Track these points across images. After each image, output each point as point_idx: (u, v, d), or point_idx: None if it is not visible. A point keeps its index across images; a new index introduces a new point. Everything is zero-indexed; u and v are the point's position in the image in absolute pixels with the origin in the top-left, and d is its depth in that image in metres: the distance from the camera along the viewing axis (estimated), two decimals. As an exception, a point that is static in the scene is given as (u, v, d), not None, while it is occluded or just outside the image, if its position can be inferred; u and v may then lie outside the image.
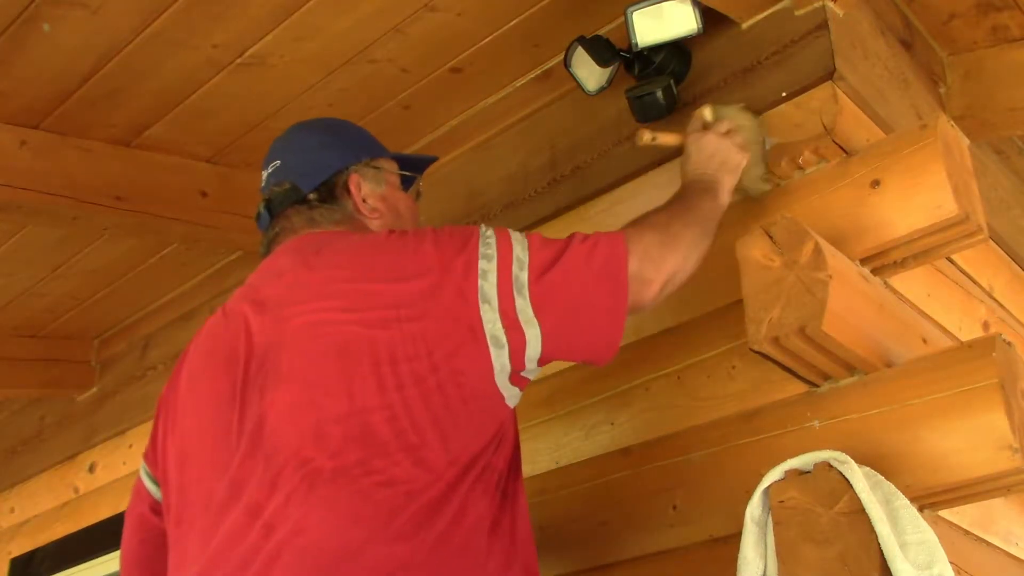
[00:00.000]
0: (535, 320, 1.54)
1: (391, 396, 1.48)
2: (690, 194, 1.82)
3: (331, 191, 1.82)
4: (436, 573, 1.43)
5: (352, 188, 1.83)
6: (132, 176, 2.53)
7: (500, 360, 1.54)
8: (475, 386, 1.53)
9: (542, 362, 1.59)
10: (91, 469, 3.48)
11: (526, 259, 1.58)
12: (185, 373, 1.75)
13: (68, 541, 3.48)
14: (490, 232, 1.61)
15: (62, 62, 2.23)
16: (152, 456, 1.80)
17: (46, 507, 3.64)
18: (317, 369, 1.52)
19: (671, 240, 1.68)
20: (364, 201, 1.83)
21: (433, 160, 2.04)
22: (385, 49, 2.31)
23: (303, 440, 1.48)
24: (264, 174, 1.88)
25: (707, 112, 1.94)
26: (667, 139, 1.98)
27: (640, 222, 1.71)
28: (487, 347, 1.53)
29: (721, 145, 1.88)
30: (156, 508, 1.78)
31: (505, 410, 1.60)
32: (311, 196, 1.80)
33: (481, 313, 1.53)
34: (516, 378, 1.58)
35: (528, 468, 2.21)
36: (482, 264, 1.56)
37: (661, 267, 1.65)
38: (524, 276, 1.56)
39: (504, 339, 1.54)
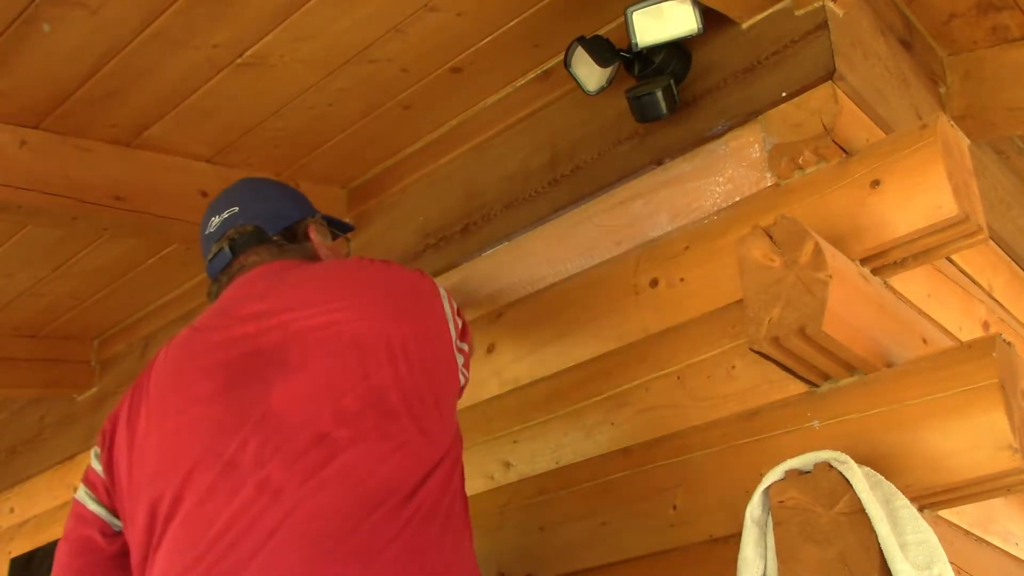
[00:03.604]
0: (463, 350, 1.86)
1: (402, 376, 1.66)
2: None
3: (294, 235, 2.01)
4: (427, 535, 1.56)
5: (311, 235, 2.03)
6: (132, 176, 2.53)
7: (459, 367, 1.82)
8: (453, 381, 1.79)
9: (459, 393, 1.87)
10: (91, 469, 3.47)
11: (454, 308, 1.87)
12: (155, 389, 1.81)
13: (68, 541, 3.47)
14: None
15: (62, 62, 2.22)
16: (103, 481, 1.84)
17: (46, 507, 3.63)
18: (333, 358, 1.67)
19: None
20: (320, 247, 2.03)
21: (352, 228, 2.31)
22: (385, 49, 2.31)
23: (319, 418, 1.61)
24: (215, 220, 2.01)
25: None
26: None
27: None
28: (455, 355, 1.80)
29: None
30: (105, 531, 1.84)
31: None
32: (275, 238, 1.98)
33: (450, 328, 1.80)
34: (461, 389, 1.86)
35: (528, 468, 2.22)
36: (441, 291, 1.85)
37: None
38: (458, 321, 1.86)
39: (465, 348, 1.84)
